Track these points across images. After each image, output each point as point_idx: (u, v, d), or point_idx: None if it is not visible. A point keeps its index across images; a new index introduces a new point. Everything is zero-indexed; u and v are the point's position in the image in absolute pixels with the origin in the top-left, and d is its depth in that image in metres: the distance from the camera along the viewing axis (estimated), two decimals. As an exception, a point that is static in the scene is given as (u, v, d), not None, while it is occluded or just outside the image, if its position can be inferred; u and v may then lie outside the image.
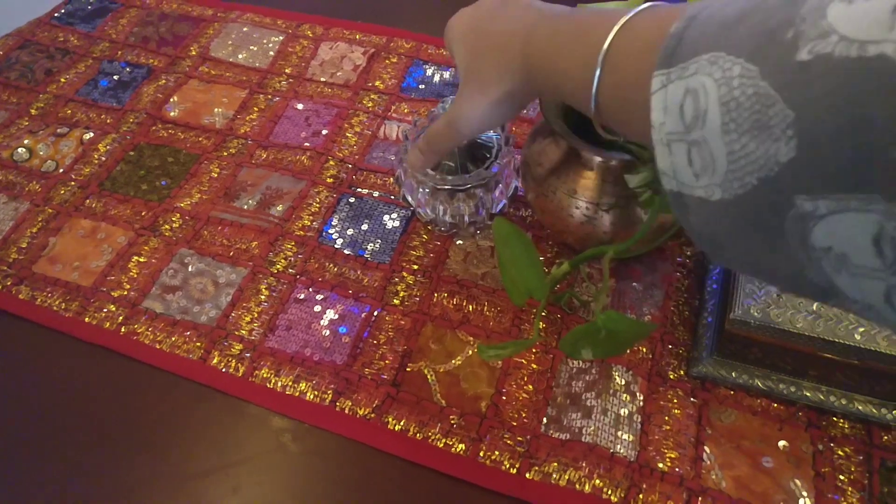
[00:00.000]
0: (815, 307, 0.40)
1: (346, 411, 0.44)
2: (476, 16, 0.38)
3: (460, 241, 0.52)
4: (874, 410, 0.42)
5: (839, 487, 0.40)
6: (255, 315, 0.49)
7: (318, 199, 0.55)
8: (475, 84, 0.37)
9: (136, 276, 0.51)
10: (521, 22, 0.35)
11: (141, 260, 0.52)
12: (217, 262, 0.52)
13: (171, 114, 0.63)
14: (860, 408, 0.42)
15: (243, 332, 0.48)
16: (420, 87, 0.64)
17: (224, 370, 0.46)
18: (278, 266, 0.52)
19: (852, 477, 0.40)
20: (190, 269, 0.52)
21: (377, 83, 0.64)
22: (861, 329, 0.39)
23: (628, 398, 0.43)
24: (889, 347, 0.38)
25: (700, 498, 0.39)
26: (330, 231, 0.53)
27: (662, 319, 0.47)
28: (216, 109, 0.63)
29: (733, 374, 0.44)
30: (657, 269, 0.49)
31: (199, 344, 0.48)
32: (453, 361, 0.46)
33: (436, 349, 0.47)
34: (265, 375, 0.46)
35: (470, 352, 0.46)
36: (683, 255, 0.50)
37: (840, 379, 0.42)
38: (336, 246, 0.53)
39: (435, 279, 0.50)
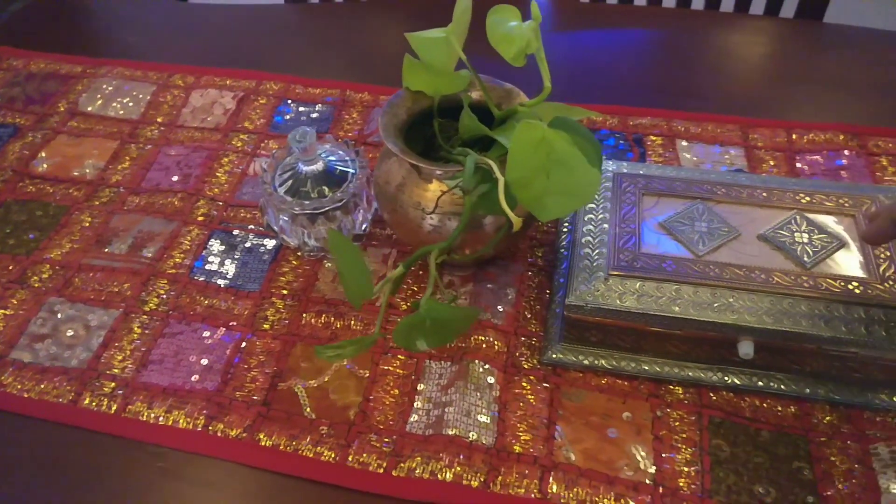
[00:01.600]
0: (637, 287, 0.45)
1: (219, 434, 0.46)
2: None
3: (329, 264, 0.55)
4: (702, 375, 0.47)
5: (674, 446, 0.44)
6: (128, 353, 0.50)
7: (189, 238, 0.58)
8: None
9: (1, 328, 0.52)
10: None
11: (7, 313, 0.53)
12: (88, 306, 0.53)
13: (39, 169, 0.64)
14: (691, 374, 0.47)
15: (115, 370, 0.49)
16: (288, 123, 0.67)
17: (96, 409, 0.47)
18: (151, 304, 0.53)
19: (685, 435, 0.45)
20: (59, 316, 0.53)
21: (246, 124, 0.67)
22: (678, 301, 0.44)
23: (486, 390, 0.47)
24: (700, 315, 0.44)
25: (552, 473, 0.43)
26: (202, 266, 0.56)
27: (515, 315, 0.51)
28: (87, 161, 0.65)
29: (580, 357, 0.48)
30: (510, 270, 0.54)
31: (69, 387, 0.48)
32: (323, 376, 0.49)
33: (306, 367, 0.49)
34: (138, 409, 0.47)
35: (337, 365, 0.49)
36: (535, 256, 0.55)
37: (671, 350, 0.47)
38: (207, 280, 0.55)
39: (304, 301, 0.53)
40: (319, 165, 0.52)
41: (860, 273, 0.45)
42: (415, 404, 0.47)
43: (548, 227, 0.57)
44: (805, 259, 0.45)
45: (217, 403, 0.47)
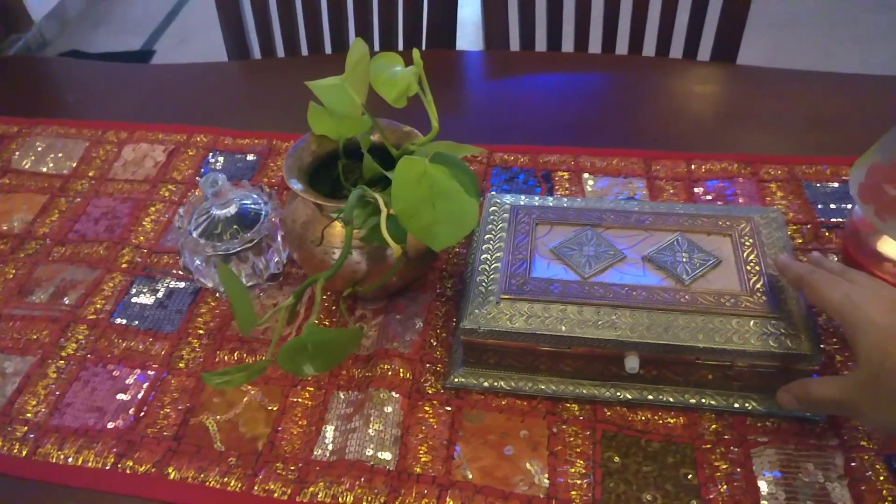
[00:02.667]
0: (526, 308, 0.48)
1: (128, 471, 0.47)
2: None
3: (244, 303, 0.58)
4: (596, 391, 0.50)
5: (568, 460, 0.47)
6: (42, 397, 0.52)
7: (111, 284, 0.60)
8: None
9: (-81, 379, 0.54)
10: None
11: (-75, 363, 0.55)
12: (6, 354, 0.55)
13: (-32, 224, 0.66)
14: (585, 391, 0.50)
15: (28, 415, 0.51)
16: (223, 175, 0.71)
17: (6, 454, 0.49)
18: (68, 349, 0.55)
19: (579, 450, 0.47)
20: (-23, 364, 0.55)
21: (175, 174, 0.71)
22: (565, 321, 0.48)
23: (390, 415, 0.49)
24: (585, 332, 0.47)
25: (450, 491, 0.45)
26: (122, 311, 0.58)
27: (422, 343, 0.54)
28: (15, 216, 0.67)
29: (481, 380, 0.51)
30: (419, 301, 0.57)
31: (-18, 434, 0.50)
32: (234, 410, 0.51)
33: (218, 401, 0.51)
34: (48, 452, 0.49)
35: (248, 399, 0.51)
36: (444, 286, 0.58)
37: (565, 369, 0.50)
38: (127, 324, 0.57)
39: (219, 339, 0.55)
40: (232, 209, 0.56)
41: (734, 287, 0.49)
42: (321, 433, 0.49)
43: (458, 258, 0.61)
44: (684, 277, 0.49)
45: (128, 441, 0.49)
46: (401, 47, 1.04)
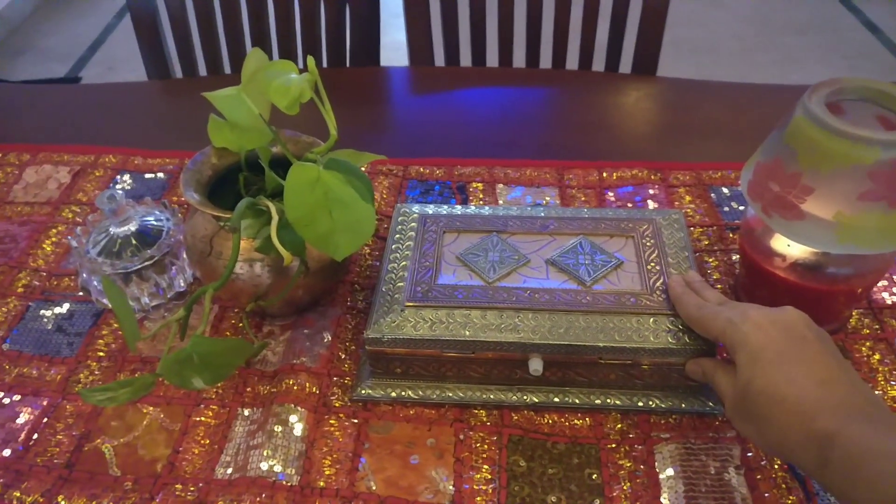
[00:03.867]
0: (431, 315, 0.49)
1: (14, 502, 0.46)
2: (782, 339, 0.41)
3: (148, 323, 0.57)
4: (503, 396, 0.51)
5: (474, 466, 0.47)
6: (-76, 430, 0.50)
7: (5, 310, 0.58)
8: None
9: None
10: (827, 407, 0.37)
11: None
12: None
13: None
14: (492, 396, 0.51)
15: None
16: (121, 192, 0.70)
17: None
18: (-44, 379, 0.53)
19: (486, 455, 0.48)
20: None
21: (80, 196, 0.70)
22: (469, 325, 0.48)
23: (295, 430, 0.49)
24: (488, 336, 0.48)
25: (353, 502, 0.45)
26: (16, 336, 0.56)
27: (330, 357, 0.54)
28: None
29: (388, 390, 0.51)
30: (328, 315, 0.57)
31: None
32: (133, 433, 0.50)
33: (116, 425, 0.50)
34: (-72, 486, 0.47)
35: (149, 420, 0.50)
36: (355, 299, 0.59)
37: (472, 375, 0.51)
38: (20, 350, 0.55)
39: (120, 361, 0.54)
40: (132, 226, 0.55)
41: (635, 287, 0.50)
42: (224, 451, 0.48)
43: (371, 271, 0.61)
44: (586, 278, 0.51)
45: (15, 471, 0.47)
46: (325, 65, 1.05)
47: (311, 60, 0.48)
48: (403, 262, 0.53)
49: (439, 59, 1.07)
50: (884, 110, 0.48)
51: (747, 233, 0.55)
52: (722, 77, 2.34)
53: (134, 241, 0.55)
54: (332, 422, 0.50)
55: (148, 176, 0.72)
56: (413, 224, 0.56)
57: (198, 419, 0.50)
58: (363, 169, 0.70)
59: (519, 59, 1.06)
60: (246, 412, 0.51)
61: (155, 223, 0.57)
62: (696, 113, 0.85)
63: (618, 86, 0.91)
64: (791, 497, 0.45)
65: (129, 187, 0.71)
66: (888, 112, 0.48)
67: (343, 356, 0.54)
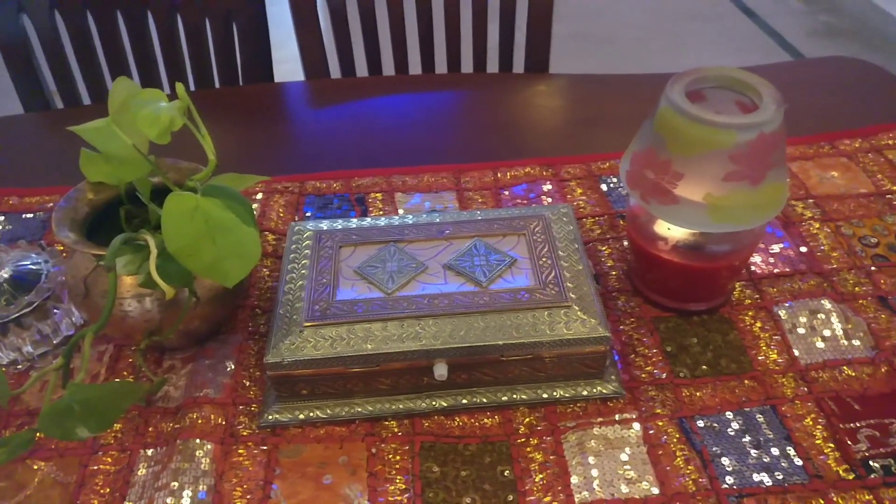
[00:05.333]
0: (332, 333, 0.49)
1: None
2: None
3: (34, 373, 0.55)
4: (412, 405, 0.51)
5: (388, 478, 0.47)
6: None
7: None
8: None
9: None
10: None
11: None
12: None
13: None
14: (402, 406, 0.51)
15: None
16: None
17: None
18: None
19: (399, 466, 0.48)
20: None
21: (-48, 244, 0.66)
22: (370, 339, 0.49)
23: (201, 465, 0.48)
24: (391, 347, 0.48)
25: (266, 532, 0.45)
26: None
27: (234, 386, 0.53)
28: None
29: (296, 413, 0.51)
30: (230, 343, 0.56)
31: None
32: (24, 492, 0.47)
33: (4, 486, 0.48)
34: None
35: (40, 476, 0.48)
36: (257, 324, 0.58)
37: (380, 387, 0.51)
38: None
39: (5, 417, 0.52)
40: (5, 273, 0.53)
41: (529, 283, 0.52)
42: (126, 498, 0.47)
43: (271, 293, 0.60)
44: (482, 279, 0.52)
45: None
46: (217, 84, 1.03)
47: (179, 87, 0.47)
48: (301, 282, 0.53)
49: (335, 71, 1.07)
50: (741, 96, 0.52)
51: (632, 220, 0.57)
52: (621, 66, 2.44)
53: (8, 288, 0.52)
54: (240, 451, 0.49)
55: (26, 216, 0.69)
56: (308, 242, 0.56)
57: (95, 468, 0.48)
58: (258, 188, 0.70)
59: (415, 65, 1.07)
60: (149, 452, 0.49)
61: (32, 267, 0.54)
62: (587, 106, 0.88)
63: (511, 85, 0.94)
64: (690, 466, 0.47)
65: (3, 229, 0.67)
66: (745, 97, 0.51)
67: (248, 383, 0.53)
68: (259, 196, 0.70)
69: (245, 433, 0.50)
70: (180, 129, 0.47)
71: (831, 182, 0.70)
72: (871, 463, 0.47)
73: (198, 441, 0.49)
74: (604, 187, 0.70)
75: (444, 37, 1.04)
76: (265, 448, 0.49)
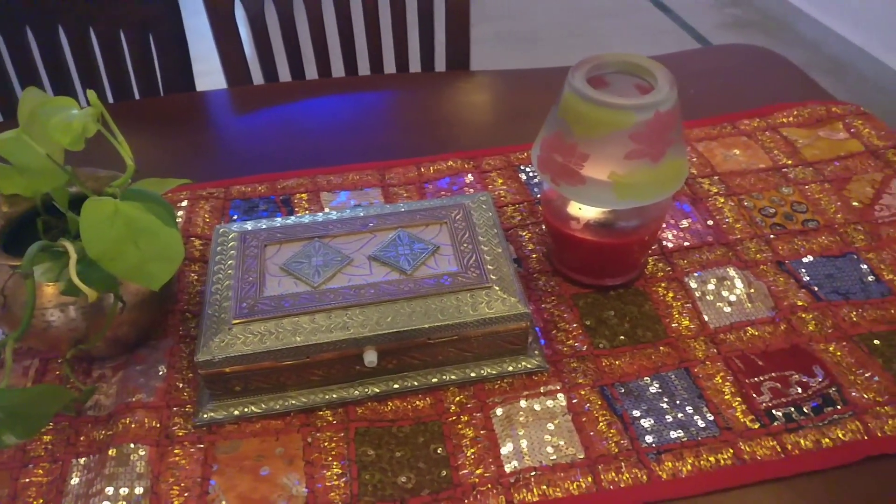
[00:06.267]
0: (260, 329, 0.50)
1: None
2: None
3: (-43, 392, 0.54)
4: (346, 393, 0.53)
5: (325, 464, 0.49)
6: None
7: None
8: None
9: None
10: None
11: None
12: None
13: None
14: (336, 396, 0.53)
15: None
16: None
17: None
18: None
19: (335, 452, 0.49)
20: None
21: None
22: (299, 332, 0.50)
23: (136, 468, 0.48)
24: (320, 338, 0.50)
25: (206, 527, 0.45)
26: None
27: (167, 388, 0.53)
28: None
29: (231, 410, 0.52)
30: (161, 347, 0.56)
31: None
32: (-47, 510, 0.47)
33: (-69, 506, 0.47)
34: None
35: (-31, 493, 0.47)
36: (188, 327, 0.58)
37: (313, 379, 0.52)
38: None
39: (-72, 438, 0.50)
40: (-81, 291, 0.51)
41: (451, 268, 0.54)
42: (61, 507, 0.47)
43: (201, 296, 0.61)
44: (406, 267, 0.54)
45: None
46: (137, 96, 1.02)
47: (91, 94, 0.47)
48: (227, 282, 0.53)
49: (258, 79, 1.07)
50: (640, 79, 0.55)
51: (547, 203, 0.60)
52: (543, 63, 2.50)
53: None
54: (176, 452, 0.49)
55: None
56: (233, 243, 0.56)
57: (27, 480, 0.48)
58: (183, 196, 0.70)
59: (338, 69, 1.08)
60: (82, 461, 0.49)
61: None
62: (507, 100, 0.91)
63: (433, 84, 0.96)
64: (612, 430, 0.50)
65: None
66: (643, 81, 0.55)
67: (181, 385, 0.54)
68: (184, 203, 0.70)
69: (181, 433, 0.51)
70: (98, 140, 0.47)
71: (734, 159, 0.75)
72: (773, 412, 0.51)
73: (132, 446, 0.49)
74: (523, 176, 0.73)
75: (364, 40, 1.06)
76: (202, 446, 0.50)
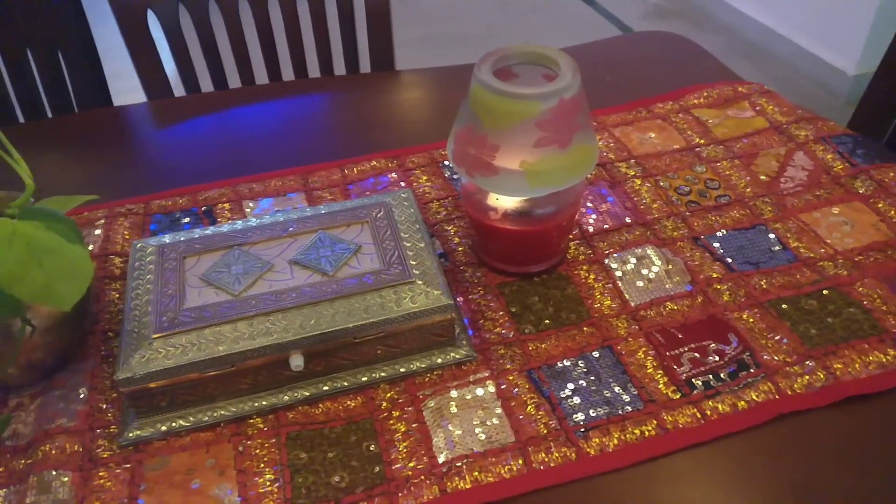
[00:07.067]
0: (182, 341, 0.49)
1: None
2: None
3: None
4: (276, 399, 0.52)
5: (257, 472, 0.48)
6: None
7: None
8: None
9: None
10: None
11: None
12: None
13: None
14: (265, 402, 0.52)
15: None
16: None
17: None
18: None
19: (267, 459, 0.49)
20: None
21: None
22: (222, 341, 0.49)
23: (59, 495, 0.47)
24: (243, 346, 0.49)
25: (135, 546, 0.45)
26: None
27: (89, 411, 0.52)
28: None
29: (158, 426, 0.51)
30: (81, 370, 0.55)
31: None
32: None
33: None
34: None
35: None
36: (108, 347, 0.57)
37: (241, 388, 0.52)
38: None
39: None
40: None
41: (374, 266, 0.54)
42: (-19, 542, 0.45)
43: (122, 315, 0.59)
44: (328, 269, 0.54)
45: None
46: (49, 115, 0.99)
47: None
48: (147, 297, 0.52)
49: (179, 91, 1.05)
50: (546, 69, 0.57)
51: (467, 196, 0.61)
52: (472, 62, 2.54)
53: None
54: (101, 474, 0.48)
55: None
56: (152, 257, 0.56)
57: (-56, 517, 0.46)
58: (100, 214, 0.68)
59: (261, 76, 1.07)
60: (2, 493, 0.47)
61: None
62: (431, 98, 0.92)
63: (358, 85, 0.96)
64: (541, 412, 0.51)
65: None
66: (549, 70, 0.56)
67: (105, 406, 0.52)
68: (102, 221, 0.68)
69: (105, 455, 0.49)
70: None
71: (650, 142, 0.78)
72: (693, 381, 0.53)
73: (54, 472, 0.48)
74: (446, 172, 0.74)
75: (286, 45, 1.05)
76: (128, 466, 0.49)
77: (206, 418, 0.51)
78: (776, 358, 0.54)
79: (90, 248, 0.65)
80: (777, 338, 0.55)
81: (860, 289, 0.59)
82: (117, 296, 0.61)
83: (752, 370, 0.53)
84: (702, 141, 0.77)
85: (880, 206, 0.67)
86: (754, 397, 0.51)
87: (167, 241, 0.57)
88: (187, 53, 1.03)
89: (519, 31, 2.59)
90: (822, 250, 0.63)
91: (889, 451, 0.49)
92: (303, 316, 0.51)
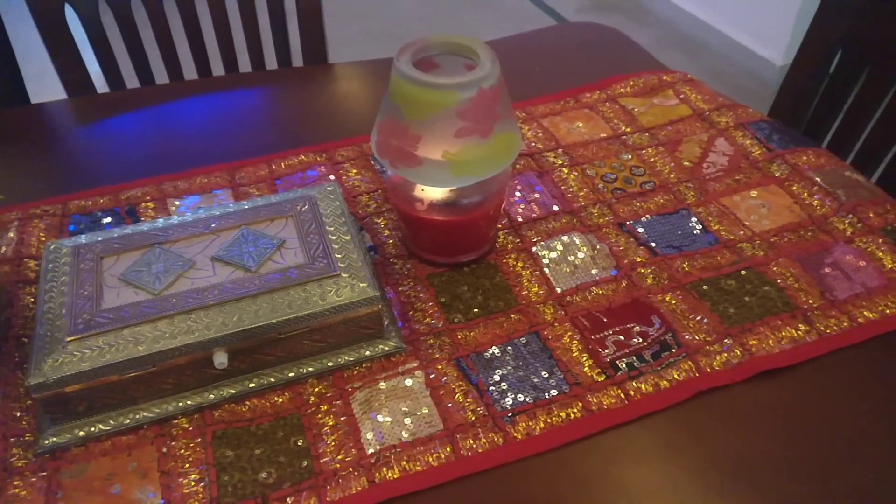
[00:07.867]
0: (99, 342, 0.48)
1: None
2: None
3: None
4: (201, 398, 0.52)
5: (181, 472, 0.48)
6: None
7: None
8: None
9: None
10: None
11: None
12: None
13: None
14: (190, 402, 0.52)
15: None
16: None
17: None
18: None
19: (192, 458, 0.48)
20: None
21: None
22: (142, 341, 0.48)
23: (-30, 508, 0.45)
24: (165, 345, 0.48)
25: (53, 555, 0.43)
26: None
27: (3, 420, 0.50)
28: None
29: (76, 432, 0.50)
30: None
31: None
32: None
33: None
34: None
35: None
36: (23, 353, 0.55)
37: (164, 388, 0.51)
38: None
39: None
40: None
41: (299, 261, 0.54)
42: None
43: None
44: (251, 265, 0.53)
45: None
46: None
47: None
48: (61, 299, 0.51)
49: (102, 88, 1.02)
50: (467, 59, 0.57)
51: (393, 188, 0.61)
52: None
53: None
54: (16, 483, 0.47)
55: None
56: (66, 259, 0.54)
57: None
58: (13, 216, 0.66)
59: (190, 72, 1.05)
60: None
61: None
62: (362, 92, 0.92)
63: (289, 79, 0.95)
64: (469, 399, 0.52)
65: None
66: (470, 60, 0.57)
67: (19, 414, 0.51)
68: (15, 223, 0.66)
69: (20, 464, 0.48)
70: None
71: (577, 132, 0.79)
72: (617, 363, 0.55)
73: (-36, 484, 0.46)
74: (376, 165, 0.74)
75: (216, 42, 1.04)
76: (44, 474, 0.47)
77: (128, 421, 0.50)
78: (697, 337, 0.56)
79: (2, 250, 0.63)
80: (698, 318, 0.58)
81: (775, 268, 0.62)
82: (32, 300, 0.59)
83: (673, 350, 0.55)
84: (628, 129, 0.79)
85: (794, 188, 0.70)
86: (676, 376, 0.53)
87: (84, 241, 0.55)
88: (110, 51, 1.00)
89: (459, 26, 2.61)
90: (741, 232, 0.66)
91: (803, 421, 0.52)
92: (225, 313, 0.50)
